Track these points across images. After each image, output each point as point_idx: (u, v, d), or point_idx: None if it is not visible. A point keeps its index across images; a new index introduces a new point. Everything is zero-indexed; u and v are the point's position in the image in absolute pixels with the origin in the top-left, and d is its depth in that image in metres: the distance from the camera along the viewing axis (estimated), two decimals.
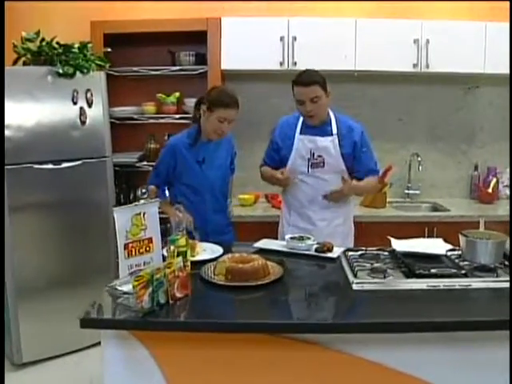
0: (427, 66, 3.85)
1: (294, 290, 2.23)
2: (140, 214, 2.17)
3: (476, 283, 2.20)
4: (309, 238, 2.67)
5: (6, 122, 3.22)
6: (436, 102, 4.30)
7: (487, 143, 4.35)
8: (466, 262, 2.39)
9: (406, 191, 4.34)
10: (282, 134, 3.07)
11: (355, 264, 2.41)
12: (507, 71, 3.83)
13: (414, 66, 3.85)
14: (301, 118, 3.00)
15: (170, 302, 2.00)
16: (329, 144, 2.95)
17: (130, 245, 2.13)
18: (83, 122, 3.53)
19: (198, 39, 3.85)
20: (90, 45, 3.58)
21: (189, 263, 2.34)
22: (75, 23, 3.95)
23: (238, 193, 4.15)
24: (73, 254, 3.55)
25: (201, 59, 3.95)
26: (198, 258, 2.53)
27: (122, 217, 2.12)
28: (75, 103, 3.49)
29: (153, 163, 3.98)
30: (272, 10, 3.94)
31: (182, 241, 2.31)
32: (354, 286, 2.18)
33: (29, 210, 3.40)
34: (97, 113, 3.60)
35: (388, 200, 4.09)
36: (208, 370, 1.97)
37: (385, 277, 2.25)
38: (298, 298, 2.18)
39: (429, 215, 3.86)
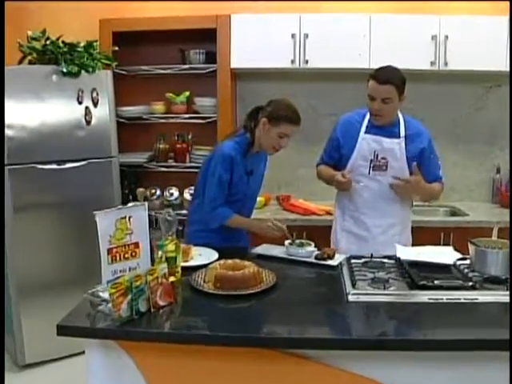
0: (446, 64, 3.69)
1: (285, 301, 2.11)
2: (125, 217, 2.08)
3: (483, 296, 2.05)
4: (309, 245, 2.55)
5: (10, 121, 3.20)
6: (455, 101, 4.13)
7: (509, 144, 4.12)
8: (475, 273, 2.24)
9: None
10: (344, 131, 2.88)
11: (356, 273, 2.29)
12: None
13: (432, 63, 3.70)
14: (367, 116, 2.81)
15: (152, 310, 1.92)
16: (395, 146, 2.77)
17: (114, 250, 2.04)
18: (88, 122, 3.51)
19: (208, 37, 3.78)
20: (95, 43, 3.55)
21: (179, 269, 2.25)
22: (84, 22, 3.91)
23: None
24: (77, 255, 3.50)
25: (211, 58, 3.88)
26: (191, 263, 2.43)
27: (104, 221, 2.03)
28: (80, 103, 3.46)
29: (163, 163, 3.98)
30: (283, 7, 3.82)
31: (171, 246, 2.22)
32: (350, 298, 2.05)
33: (32, 210, 3.38)
34: (103, 112, 3.57)
35: None
36: (193, 381, 1.88)
37: (385, 287, 2.12)
38: (287, 309, 2.05)
39: (444, 220, 3.69)
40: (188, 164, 3.93)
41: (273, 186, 4.06)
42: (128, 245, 2.08)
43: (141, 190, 2.21)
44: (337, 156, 2.93)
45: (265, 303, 2.04)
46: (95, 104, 3.52)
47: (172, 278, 2.20)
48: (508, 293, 2.06)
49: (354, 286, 2.13)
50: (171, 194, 4.05)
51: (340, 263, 2.44)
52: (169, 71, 3.92)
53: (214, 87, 3.81)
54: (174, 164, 4.03)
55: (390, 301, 2.03)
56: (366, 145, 2.81)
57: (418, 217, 3.74)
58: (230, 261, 2.27)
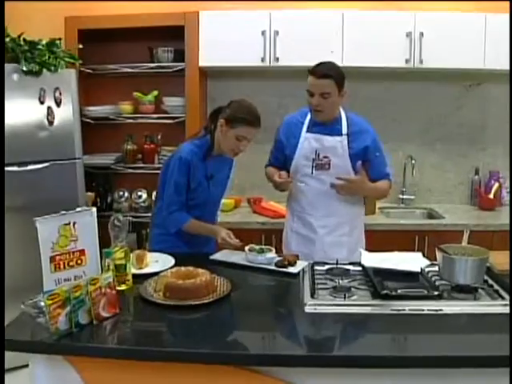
0: (421, 62, 3.58)
1: (236, 312, 2.00)
2: (69, 223, 1.96)
3: (448, 307, 1.93)
4: (270, 251, 2.42)
5: None
6: (433, 100, 4.02)
7: (489, 145, 4.04)
8: (443, 282, 2.12)
9: (401, 196, 4.06)
10: (286, 131, 2.84)
11: (318, 281, 2.18)
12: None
13: (407, 61, 3.59)
14: (308, 116, 2.77)
15: (95, 322, 1.81)
16: (337, 144, 2.70)
17: (58, 257, 1.95)
18: (51, 122, 3.39)
19: (177, 35, 3.65)
20: (58, 41, 3.42)
21: (130, 277, 2.14)
22: (49, 19, 3.77)
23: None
24: (37, 261, 3.35)
25: (180, 56, 3.76)
26: (145, 270, 2.31)
27: (46, 227, 1.93)
28: (42, 102, 3.34)
29: (131, 164, 3.85)
30: (253, 3, 3.69)
31: (120, 253, 2.11)
32: (307, 309, 1.93)
33: None
34: (66, 112, 3.45)
35: (380, 206, 3.82)
36: None
37: (346, 297, 2.01)
38: (237, 321, 1.94)
39: (419, 223, 3.57)
40: (157, 165, 3.80)
41: (245, 187, 3.94)
42: (73, 252, 1.98)
43: (89, 194, 2.07)
44: (282, 157, 2.87)
45: (216, 315, 1.92)
46: (58, 104, 3.40)
47: (123, 287, 2.13)
48: (476, 303, 1.97)
49: (312, 295, 2.02)
50: (139, 197, 3.94)
51: (302, 270, 2.32)
52: (137, 70, 3.80)
53: (183, 86, 3.70)
54: (143, 165, 3.91)
55: (350, 312, 1.92)
56: (308, 144, 2.74)
57: (391, 219, 3.66)
58: (183, 268, 2.15)
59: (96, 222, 2.08)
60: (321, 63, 2.63)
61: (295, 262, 2.35)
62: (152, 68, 3.80)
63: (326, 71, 2.57)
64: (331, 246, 2.75)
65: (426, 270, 2.27)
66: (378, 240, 3.29)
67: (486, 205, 3.88)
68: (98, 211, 2.33)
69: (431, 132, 4.07)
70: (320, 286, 2.11)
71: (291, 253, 2.63)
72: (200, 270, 2.12)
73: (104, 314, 1.84)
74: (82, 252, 2.00)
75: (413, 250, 3.38)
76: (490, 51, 3.53)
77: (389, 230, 3.44)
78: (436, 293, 2.01)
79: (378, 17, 3.56)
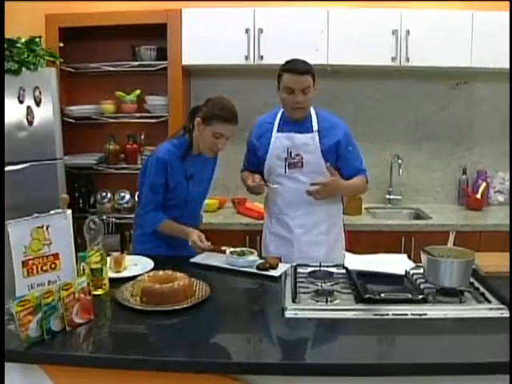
0: (407, 60, 3.54)
1: (215, 317, 1.94)
2: (42, 227, 1.90)
3: (433, 311, 1.89)
4: (252, 253, 2.37)
5: None
6: (420, 99, 3.99)
7: (477, 144, 4.01)
8: (428, 285, 2.07)
9: (387, 196, 4.02)
10: (258, 133, 2.80)
11: (299, 284, 2.13)
12: (498, 65, 3.53)
13: (393, 59, 3.54)
14: (278, 116, 2.74)
15: (68, 329, 1.75)
16: (308, 141, 2.67)
17: (31, 261, 1.88)
18: (30, 122, 3.32)
19: (160, 33, 3.58)
20: (37, 39, 3.35)
21: (106, 281, 2.08)
22: (29, 17, 3.69)
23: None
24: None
25: (163, 54, 3.69)
26: (124, 273, 2.26)
27: (18, 230, 1.86)
28: (21, 102, 3.26)
29: (114, 165, 3.78)
30: (236, 0, 3.62)
31: (96, 257, 2.05)
32: (287, 313, 1.87)
33: None
34: (46, 112, 3.38)
35: (366, 206, 3.78)
36: None
37: (328, 301, 1.95)
38: (216, 327, 1.87)
39: (406, 224, 3.52)
40: (140, 166, 3.71)
41: (229, 187, 3.88)
42: (46, 256, 1.92)
43: (64, 196, 2.00)
44: (255, 160, 2.82)
45: (193, 320, 1.86)
46: (38, 103, 3.33)
47: (99, 291, 2.07)
48: (461, 307, 1.92)
49: (293, 299, 1.97)
50: (122, 197, 3.87)
51: (284, 273, 2.27)
52: (119, 68, 3.73)
53: (166, 85, 3.64)
54: (126, 166, 3.84)
55: (332, 317, 1.86)
56: (279, 143, 2.70)
57: (377, 220, 3.61)
58: (161, 272, 2.10)
59: (71, 224, 2.02)
60: (294, 60, 2.60)
61: (277, 265, 2.30)
62: (134, 67, 3.73)
63: (306, 67, 2.56)
64: (308, 245, 2.71)
65: (411, 272, 2.22)
66: (363, 241, 3.28)
67: (474, 205, 3.85)
68: (80, 212, 2.31)
69: (418, 131, 4.03)
70: (302, 290, 2.06)
71: (271, 255, 2.58)
72: (178, 274, 2.06)
73: (77, 321, 1.78)
74: (56, 256, 1.93)
75: (399, 251, 3.33)
76: (477, 49, 3.49)
77: (375, 230, 3.39)
78: (420, 296, 1.97)
79: (363, 14, 3.51)
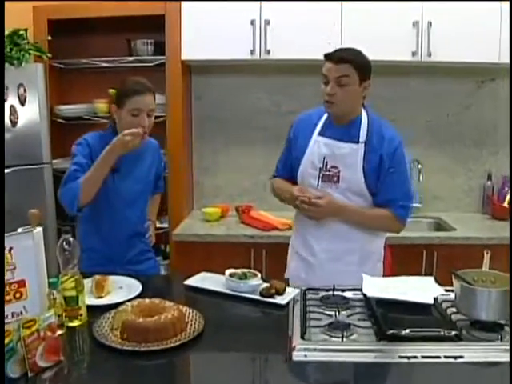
0: (429, 55, 3.21)
1: (208, 359, 1.63)
2: (4, 249, 1.60)
3: (470, 352, 1.56)
4: (254, 276, 2.05)
5: None
6: (441, 98, 3.65)
7: (503, 148, 3.67)
8: (460, 316, 1.76)
9: None
10: (298, 131, 2.42)
11: (310, 314, 1.82)
12: None
13: (413, 54, 3.22)
14: (324, 117, 2.35)
15: (30, 374, 1.45)
16: (350, 153, 2.26)
17: None
18: (14, 123, 3.07)
19: (157, 25, 3.30)
20: (23, 32, 3.08)
21: (83, 310, 1.78)
22: (15, 9, 3.38)
23: (207, 204, 3.60)
24: None
25: (161, 48, 3.41)
26: (105, 300, 1.96)
27: None
28: (4, 100, 3.00)
29: None
30: None
31: (70, 282, 1.75)
32: (295, 355, 1.56)
33: None
34: (32, 112, 3.12)
35: None
36: None
37: (343, 337, 1.64)
38: (207, 372, 1.57)
39: (427, 236, 3.19)
40: None
41: (232, 194, 3.58)
42: (10, 284, 1.63)
43: (33, 211, 1.70)
44: (290, 165, 2.46)
45: (183, 362, 1.58)
46: (22, 102, 3.08)
47: (75, 323, 1.77)
48: (503, 346, 1.59)
49: (303, 335, 1.65)
50: None
51: (293, 299, 1.95)
52: (113, 64, 3.46)
53: (164, 82, 3.36)
54: None
55: (349, 360, 1.55)
56: (317, 148, 2.32)
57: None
58: (147, 301, 1.79)
59: (42, 245, 1.73)
60: (343, 48, 2.29)
61: (284, 290, 1.98)
62: (130, 62, 3.47)
63: (345, 55, 2.19)
64: (334, 275, 2.23)
65: (440, 299, 1.90)
66: None
67: (500, 214, 3.52)
68: (71, 221, 2.08)
69: (439, 133, 3.70)
70: (313, 322, 1.76)
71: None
72: (168, 304, 1.75)
73: (42, 364, 1.48)
74: (21, 283, 1.66)
75: (420, 267, 3.06)
76: (506, 44, 3.16)
77: (393, 244, 3.06)
78: (454, 333, 1.65)
79: (380, 5, 3.19)
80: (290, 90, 3.57)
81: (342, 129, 2.29)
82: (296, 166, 2.38)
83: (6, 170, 3.00)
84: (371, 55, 3.16)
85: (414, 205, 3.65)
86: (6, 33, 3.01)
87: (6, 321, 1.58)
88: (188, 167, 3.62)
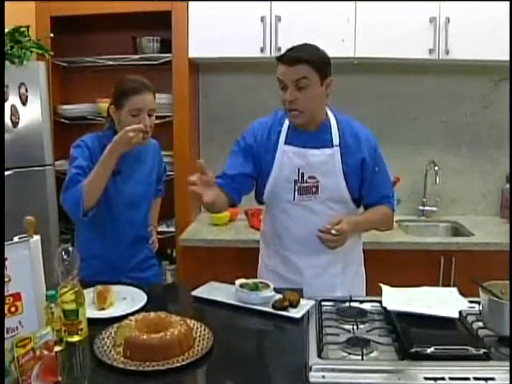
0: (447, 52, 3.08)
1: (215, 380, 1.51)
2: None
3: (501, 373, 1.42)
4: (267, 287, 1.93)
5: None
6: (458, 97, 3.52)
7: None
8: (486, 331, 1.64)
9: (421, 208, 3.57)
10: (260, 141, 2.15)
11: (326, 329, 1.70)
12: None
13: (431, 51, 3.09)
14: (286, 122, 2.13)
15: None
16: (326, 159, 2.08)
17: None
18: (15, 124, 2.93)
19: (163, 22, 3.18)
20: (24, 29, 2.97)
21: (84, 325, 1.66)
22: (17, 6, 3.28)
23: None
24: None
25: (167, 46, 3.29)
26: (108, 312, 1.84)
27: None
28: (5, 100, 2.86)
29: None
30: None
31: (70, 295, 1.63)
32: (312, 376, 1.43)
33: None
34: (33, 112, 2.99)
35: (397, 219, 3.31)
36: None
37: (363, 354, 1.52)
38: None
39: (445, 242, 3.06)
40: None
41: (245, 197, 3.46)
42: (5, 297, 1.51)
43: (28, 218, 1.59)
44: (239, 175, 2.15)
45: (190, 382, 1.44)
46: (24, 102, 2.95)
47: (75, 338, 1.65)
48: None
49: (320, 354, 1.53)
50: None
51: (308, 312, 1.83)
52: (118, 62, 3.34)
53: (171, 81, 3.25)
54: None
55: (370, 382, 1.42)
56: (287, 160, 2.10)
57: (411, 237, 3.14)
58: (152, 314, 1.67)
59: (39, 254, 1.62)
60: (295, 46, 2.01)
61: (298, 302, 1.86)
62: (135, 60, 3.35)
63: (300, 54, 1.95)
64: (321, 289, 2.06)
65: (465, 312, 1.78)
66: (395, 261, 2.85)
67: None
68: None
69: (456, 134, 3.57)
70: (330, 339, 1.63)
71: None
72: (174, 318, 1.63)
73: None
74: (16, 296, 1.53)
75: (437, 274, 2.93)
76: None
77: (409, 249, 2.94)
78: (482, 351, 1.51)
79: (396, 0, 3.05)
80: None
81: (311, 134, 2.10)
82: (261, 182, 2.17)
83: (7, 172, 2.89)
84: (386, 53, 3.10)
85: (431, 208, 3.54)
86: (7, 30, 2.89)
87: None
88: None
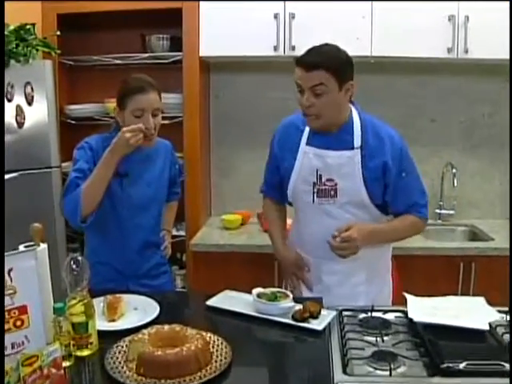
0: (466, 51, 2.97)
1: None
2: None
3: None
4: (286, 297, 1.83)
5: None
6: (477, 97, 3.41)
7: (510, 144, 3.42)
8: None
9: (438, 211, 3.46)
10: (282, 143, 2.14)
11: (350, 342, 1.62)
12: None
13: (449, 50, 2.98)
14: None
15: None
16: (345, 161, 2.00)
17: None
18: (21, 124, 2.86)
19: (173, 20, 3.09)
20: (30, 26, 2.89)
21: (94, 338, 1.57)
22: (23, 3, 3.21)
23: (226, 210, 3.42)
24: None
25: (177, 45, 3.20)
26: (119, 324, 1.75)
27: None
28: (10, 100, 2.81)
29: None
30: None
31: (79, 307, 1.54)
32: None
33: None
34: (40, 112, 2.92)
35: None
36: None
37: (391, 369, 1.42)
38: None
39: (465, 247, 2.95)
40: None
41: (253, 198, 3.35)
42: (9, 310, 1.43)
43: (35, 225, 1.50)
44: (277, 178, 2.19)
45: None
46: (30, 102, 2.87)
47: (85, 352, 1.56)
48: None
49: (345, 369, 1.44)
50: None
51: (329, 324, 1.74)
52: (126, 61, 3.25)
53: (181, 81, 3.16)
54: None
55: None
56: (307, 161, 2.04)
57: (427, 241, 3.03)
58: (166, 327, 1.58)
59: (47, 264, 1.53)
60: (314, 47, 1.92)
61: (319, 313, 1.76)
62: (144, 59, 3.26)
63: (316, 59, 1.86)
64: (343, 299, 1.98)
65: (494, 323, 1.68)
66: (414, 268, 2.75)
67: None
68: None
69: (473, 135, 3.47)
70: (354, 353, 1.54)
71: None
72: (190, 332, 1.54)
73: None
74: (22, 309, 1.45)
75: (457, 281, 2.84)
76: None
77: (428, 255, 2.84)
78: None
79: None
80: None
81: (331, 135, 2.02)
82: (285, 182, 2.12)
83: (12, 175, 2.81)
84: (403, 52, 3.00)
85: (448, 212, 3.44)
86: (12, 27, 2.81)
87: (5, 352, 1.38)
88: (205, 170, 3.42)
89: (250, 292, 1.89)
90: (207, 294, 1.95)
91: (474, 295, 2.71)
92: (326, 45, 1.93)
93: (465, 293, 2.80)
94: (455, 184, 3.31)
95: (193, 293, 2.09)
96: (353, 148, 2.00)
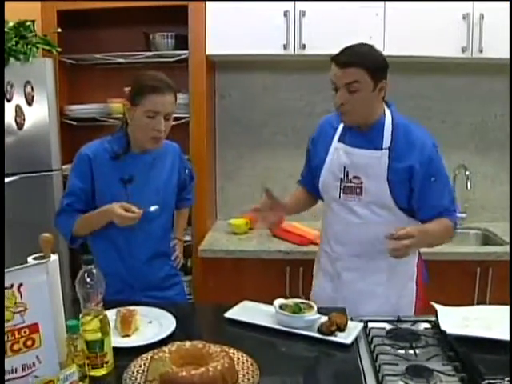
0: (481, 51, 2.90)
1: None
2: (11, 287, 1.28)
3: None
4: (311, 308, 1.74)
5: None
6: (490, 98, 3.34)
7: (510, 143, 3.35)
8: None
9: None
10: (317, 138, 2.20)
11: (381, 356, 1.53)
12: None
13: (464, 50, 2.91)
14: None
15: None
16: (372, 161, 1.99)
17: None
18: (20, 125, 2.77)
19: (178, 17, 3.00)
20: (29, 23, 2.79)
21: (110, 357, 1.47)
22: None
23: (232, 213, 3.32)
24: None
25: (183, 43, 3.11)
26: (133, 339, 1.64)
27: None
28: (9, 100, 2.74)
29: None
30: None
31: (94, 323, 1.43)
32: None
33: None
34: (40, 112, 2.83)
35: None
36: None
37: None
38: None
39: (481, 252, 2.87)
40: None
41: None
42: (19, 329, 1.30)
43: (45, 235, 1.40)
44: (312, 177, 2.23)
45: None
46: (29, 102, 2.78)
47: (101, 372, 1.46)
48: None
49: None
50: None
51: (357, 337, 1.65)
52: (130, 60, 3.15)
53: (187, 80, 3.06)
54: None
55: None
56: (337, 157, 2.08)
57: (447, 246, 2.93)
58: (187, 344, 1.47)
59: (58, 278, 1.42)
60: (349, 46, 1.96)
61: (346, 325, 1.67)
62: (148, 58, 3.17)
63: (353, 57, 1.90)
64: (360, 295, 2.05)
65: None
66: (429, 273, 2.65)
67: None
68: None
69: (486, 137, 3.39)
70: (387, 368, 1.46)
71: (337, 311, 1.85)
72: (213, 349, 1.44)
73: None
74: (33, 328, 1.32)
75: (473, 287, 2.76)
76: None
77: (443, 260, 2.74)
78: None
79: None
80: (326, 88, 3.25)
81: (362, 134, 2.03)
82: (317, 177, 2.16)
83: (12, 178, 2.72)
84: (417, 51, 2.92)
85: (460, 215, 3.34)
86: (11, 24, 2.72)
87: (15, 375, 1.27)
88: (211, 173, 3.31)
89: (264, 301, 1.84)
90: (221, 304, 1.88)
91: (490, 302, 2.67)
92: (362, 44, 1.97)
93: (481, 300, 2.72)
94: (468, 187, 3.23)
95: (207, 304, 1.98)
96: (381, 148, 1.99)
